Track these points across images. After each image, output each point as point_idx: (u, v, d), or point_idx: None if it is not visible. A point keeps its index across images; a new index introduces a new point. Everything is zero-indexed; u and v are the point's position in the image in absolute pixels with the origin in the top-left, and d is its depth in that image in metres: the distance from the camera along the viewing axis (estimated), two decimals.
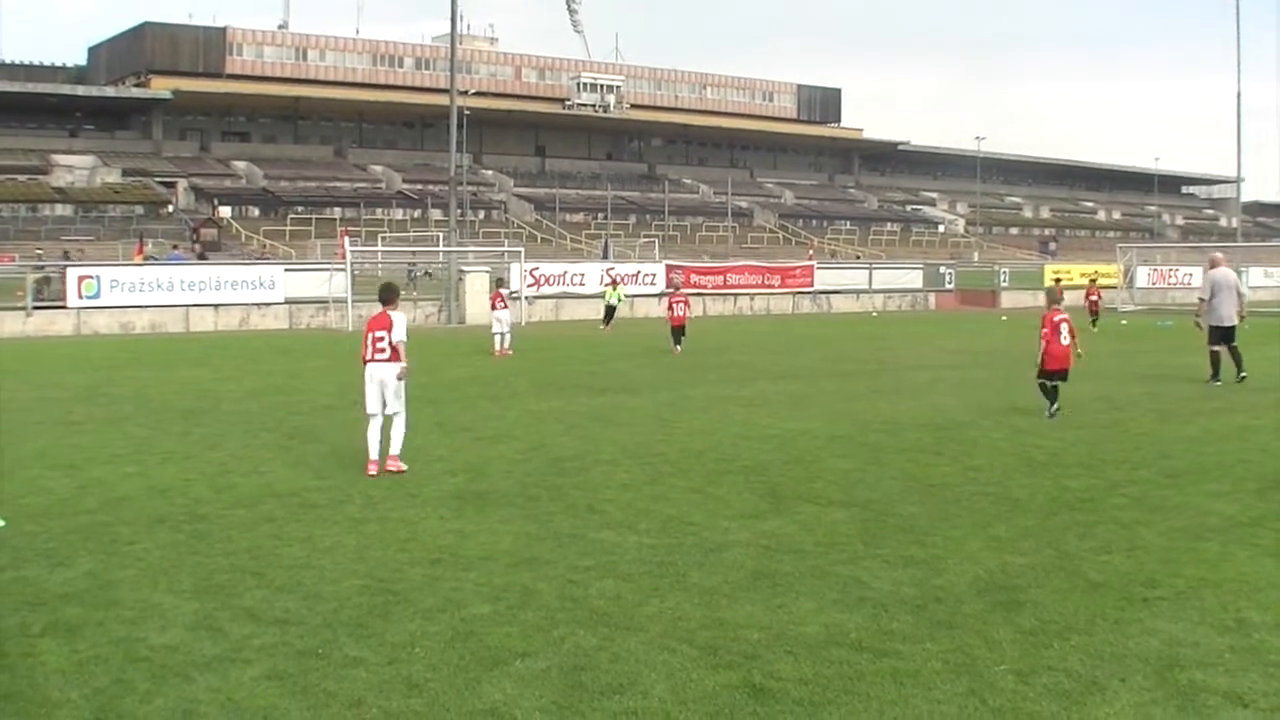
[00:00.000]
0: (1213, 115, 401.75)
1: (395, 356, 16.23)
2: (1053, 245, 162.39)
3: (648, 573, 11.42)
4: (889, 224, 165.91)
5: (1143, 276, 75.27)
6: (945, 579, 11.27)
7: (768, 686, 8.51)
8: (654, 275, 60.08)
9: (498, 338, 35.98)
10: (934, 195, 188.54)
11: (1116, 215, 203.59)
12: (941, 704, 8.27)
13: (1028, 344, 40.46)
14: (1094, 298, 49.50)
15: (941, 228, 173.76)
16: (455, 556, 12.02)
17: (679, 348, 35.75)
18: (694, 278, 59.58)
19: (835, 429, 20.85)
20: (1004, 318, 58.06)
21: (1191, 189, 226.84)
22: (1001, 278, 73.79)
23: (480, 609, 10.29)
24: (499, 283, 39.97)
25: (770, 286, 63.37)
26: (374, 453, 16.33)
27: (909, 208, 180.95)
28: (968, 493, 15.38)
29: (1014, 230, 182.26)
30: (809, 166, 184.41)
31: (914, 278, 70.87)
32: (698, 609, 10.29)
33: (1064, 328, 22.21)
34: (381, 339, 16.22)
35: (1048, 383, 22.32)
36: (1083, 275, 69.80)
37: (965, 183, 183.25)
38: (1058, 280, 54.94)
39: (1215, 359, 27.87)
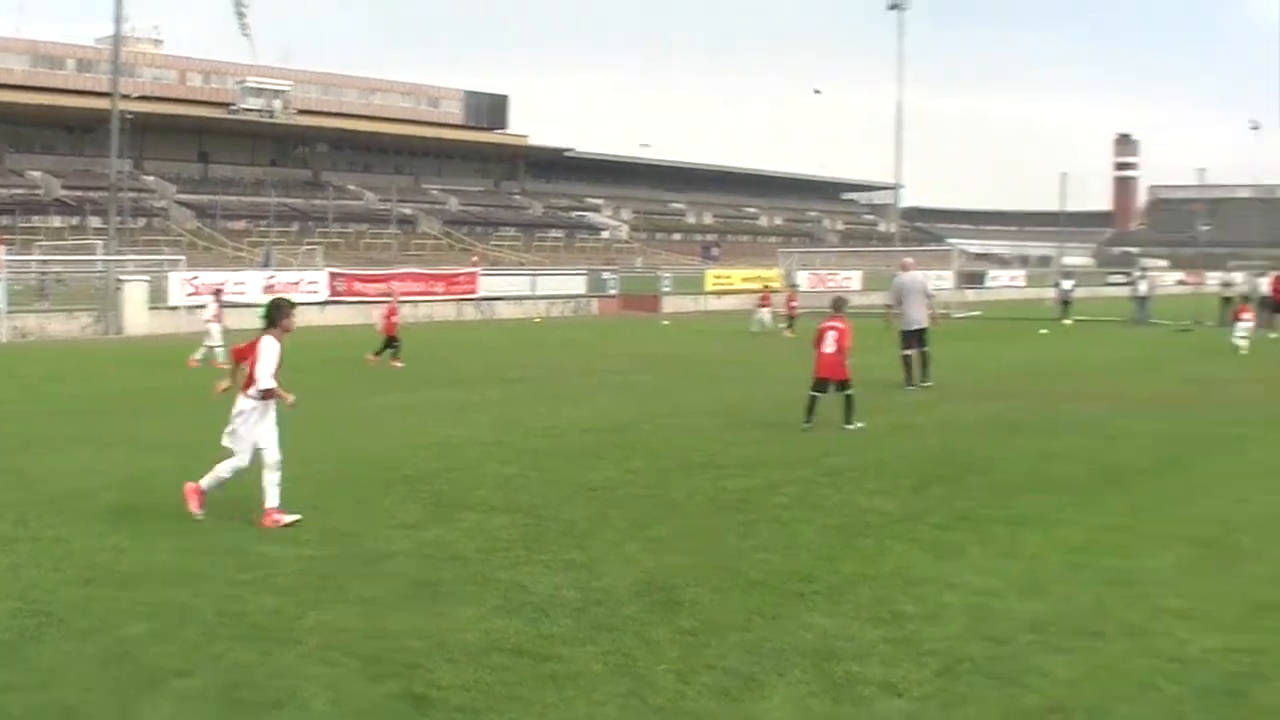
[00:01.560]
0: (873, 125, 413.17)
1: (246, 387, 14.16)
2: (715, 250, 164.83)
3: (308, 585, 11.25)
4: (553, 230, 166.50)
5: (803, 280, 77.03)
6: (605, 581, 11.35)
7: (429, 695, 8.46)
8: (316, 283, 59.32)
9: (219, 350, 34.33)
10: (599, 202, 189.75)
11: (778, 221, 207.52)
12: (603, 705, 8.34)
13: (690, 349, 41.40)
14: (794, 303, 50.71)
15: (606, 234, 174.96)
16: (111, 574, 11.64)
17: (398, 362, 34.54)
18: (356, 285, 59.14)
19: (499, 435, 20.85)
20: (666, 323, 58.89)
21: (852, 195, 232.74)
22: (664, 283, 74.75)
23: (137, 628, 9.99)
24: (217, 292, 38.82)
25: (434, 293, 63.03)
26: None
27: (574, 214, 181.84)
28: (627, 495, 15.54)
29: (677, 236, 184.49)
30: (475, 173, 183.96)
31: (577, 284, 71.31)
32: (359, 620, 10.18)
33: (829, 336, 21.85)
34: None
35: (814, 394, 21.81)
36: (762, 281, 71.13)
37: (630, 189, 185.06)
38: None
39: (908, 363, 28.37)
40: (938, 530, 13.75)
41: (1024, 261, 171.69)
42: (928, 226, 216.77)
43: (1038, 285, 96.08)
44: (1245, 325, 41.92)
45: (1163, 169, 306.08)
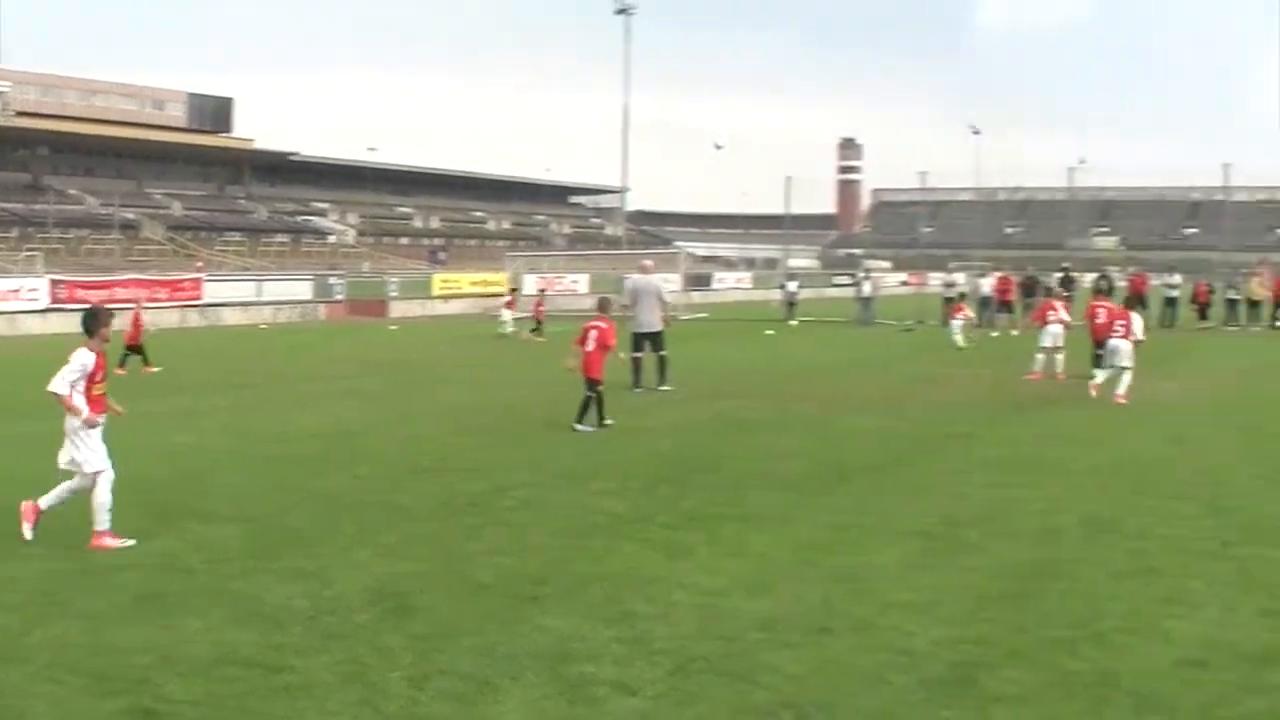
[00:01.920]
0: (600, 128, 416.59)
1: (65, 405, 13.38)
2: (442, 255, 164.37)
3: (32, 601, 10.94)
4: (279, 235, 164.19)
5: (530, 284, 77.22)
6: (336, 589, 11.26)
7: (158, 710, 8.30)
8: (37, 290, 57.70)
9: None
10: (325, 206, 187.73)
11: (506, 224, 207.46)
12: (336, 715, 8.28)
13: (419, 354, 41.18)
14: (542, 308, 50.58)
15: (332, 238, 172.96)
16: None
17: (122, 370, 33.54)
18: (79, 292, 57.68)
19: (226, 443, 20.57)
20: (394, 328, 58.45)
21: (579, 199, 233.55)
22: (391, 288, 74.32)
23: None
24: None
25: (157, 300, 61.58)
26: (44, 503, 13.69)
27: (300, 218, 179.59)
28: (357, 501, 15.44)
29: (404, 240, 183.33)
30: (199, 177, 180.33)
31: (304, 289, 70.50)
32: (85, 636, 9.94)
33: (591, 334, 22.43)
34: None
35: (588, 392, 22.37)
36: (485, 284, 71.12)
37: (356, 193, 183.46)
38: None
39: (636, 365, 28.29)
40: (667, 530, 13.92)
41: (750, 264, 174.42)
42: (655, 230, 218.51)
43: (764, 287, 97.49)
44: (958, 323, 43.86)
45: (886, 172, 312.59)
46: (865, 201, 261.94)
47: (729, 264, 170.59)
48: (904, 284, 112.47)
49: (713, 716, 8.34)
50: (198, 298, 63.51)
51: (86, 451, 13.39)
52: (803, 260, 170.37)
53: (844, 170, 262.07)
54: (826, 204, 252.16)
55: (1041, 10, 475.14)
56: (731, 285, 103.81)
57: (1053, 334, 31.75)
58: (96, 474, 13.33)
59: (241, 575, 11.78)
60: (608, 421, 22.15)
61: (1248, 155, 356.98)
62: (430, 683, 8.85)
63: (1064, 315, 32.60)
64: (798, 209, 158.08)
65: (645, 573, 11.96)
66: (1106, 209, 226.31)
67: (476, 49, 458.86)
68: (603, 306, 23.90)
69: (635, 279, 29.79)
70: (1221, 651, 9.73)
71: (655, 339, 28.67)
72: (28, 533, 13.27)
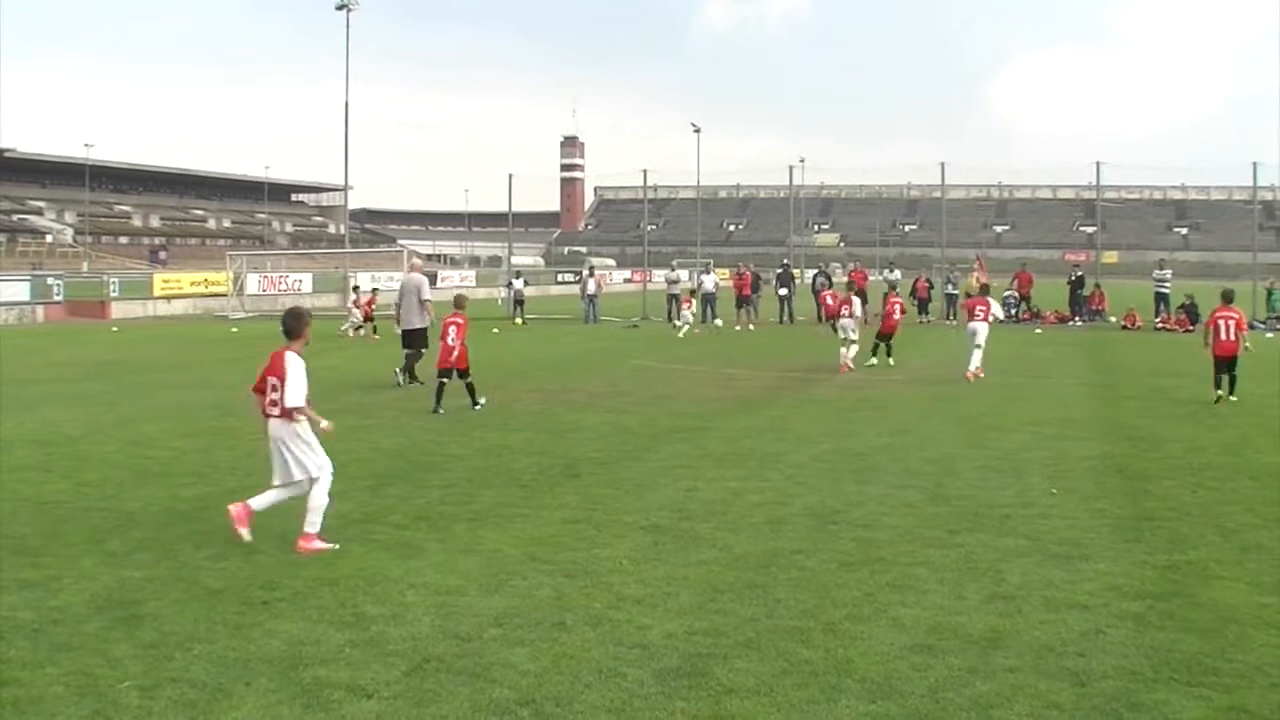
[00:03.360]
0: (323, 124, 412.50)
1: (286, 414, 13.09)
2: (163, 254, 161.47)
3: None
4: None
5: (254, 283, 76.22)
6: (62, 599, 11.01)
7: None
8: None
9: None
10: (42, 204, 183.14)
11: (227, 223, 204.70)
12: None
13: (139, 355, 40.32)
14: (371, 305, 49.74)
15: (50, 237, 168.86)
16: None
17: None
18: None
19: None
20: (115, 329, 57.18)
21: (301, 197, 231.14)
22: (112, 288, 72.70)
23: None
24: None
25: None
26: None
27: (15, 217, 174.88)
28: (81, 509, 15.09)
29: (124, 239, 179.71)
30: None
31: (21, 289, 68.53)
32: None
33: (451, 330, 24.61)
34: (276, 389, 13.15)
35: (441, 380, 24.67)
36: (207, 283, 69.96)
37: (74, 191, 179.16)
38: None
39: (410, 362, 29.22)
40: (397, 530, 13.90)
41: (476, 262, 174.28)
42: (379, 228, 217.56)
43: (489, 285, 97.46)
44: (687, 313, 48.76)
45: (609, 170, 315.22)
46: (589, 199, 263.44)
47: (454, 262, 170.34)
48: (628, 281, 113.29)
49: (451, 716, 8.34)
50: None
51: (306, 460, 13.20)
52: (527, 258, 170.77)
53: (566, 168, 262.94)
54: (551, 202, 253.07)
55: (768, 15, 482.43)
56: (457, 283, 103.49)
57: (844, 326, 34.45)
58: (319, 475, 13.27)
59: None
60: (437, 410, 24.22)
61: (975, 154, 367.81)
62: (162, 691, 8.72)
63: (858, 311, 34.90)
64: (522, 207, 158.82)
65: (376, 574, 11.92)
66: (827, 206, 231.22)
67: (197, 41, 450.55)
68: (458, 303, 25.49)
69: (402, 278, 30.06)
70: (949, 637, 10.04)
71: (411, 336, 28.99)
72: (245, 535, 13.10)
